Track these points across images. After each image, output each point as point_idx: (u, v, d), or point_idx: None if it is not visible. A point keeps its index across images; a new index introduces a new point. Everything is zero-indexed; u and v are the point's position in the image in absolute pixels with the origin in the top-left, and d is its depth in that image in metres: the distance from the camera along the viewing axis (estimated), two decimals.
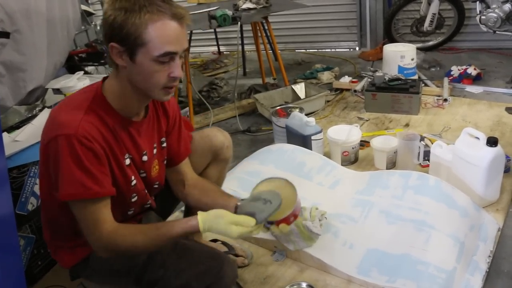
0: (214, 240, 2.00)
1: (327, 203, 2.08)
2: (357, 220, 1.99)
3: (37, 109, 2.41)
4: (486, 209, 2.04)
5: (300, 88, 3.41)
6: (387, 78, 3.12)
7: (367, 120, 3.06)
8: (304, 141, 2.49)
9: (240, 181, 2.27)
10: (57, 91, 2.51)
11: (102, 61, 3.38)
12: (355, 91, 3.42)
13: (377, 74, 3.16)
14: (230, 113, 3.38)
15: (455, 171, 2.12)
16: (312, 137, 2.48)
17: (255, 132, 3.12)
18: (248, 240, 2.04)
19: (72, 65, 3.15)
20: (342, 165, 2.49)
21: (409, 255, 1.76)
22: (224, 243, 2.00)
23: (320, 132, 2.50)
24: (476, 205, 1.99)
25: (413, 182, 2.06)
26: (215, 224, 1.35)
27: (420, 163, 2.41)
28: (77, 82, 2.47)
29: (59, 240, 1.52)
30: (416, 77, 3.51)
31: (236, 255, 1.96)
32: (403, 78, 3.15)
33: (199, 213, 1.37)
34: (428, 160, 2.38)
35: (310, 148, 2.48)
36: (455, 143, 2.13)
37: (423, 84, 3.33)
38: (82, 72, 2.71)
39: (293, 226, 1.82)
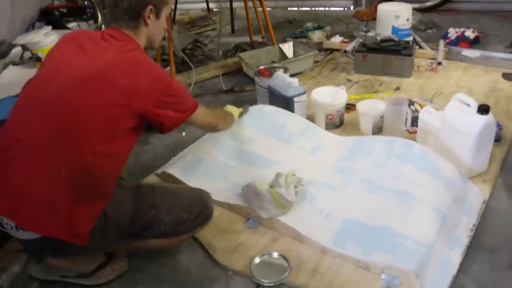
0: None
1: (306, 169, 1.97)
2: (336, 187, 1.88)
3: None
4: (473, 180, 1.93)
5: (288, 47, 3.25)
6: (379, 39, 2.95)
7: (356, 83, 2.91)
8: (286, 102, 2.35)
9: (219, 144, 2.14)
10: (23, 47, 2.37)
11: (85, 17, 3.20)
12: (345, 51, 3.25)
13: (369, 34, 3.00)
14: (214, 72, 3.22)
15: (443, 139, 1.99)
16: (295, 99, 2.35)
17: (238, 92, 2.97)
18: (221, 206, 1.94)
19: (52, 20, 2.98)
20: (326, 129, 2.37)
21: (388, 227, 1.65)
22: None
23: (303, 93, 2.37)
24: (462, 176, 1.88)
25: (398, 150, 1.93)
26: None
27: (408, 129, 2.29)
28: (44, 38, 2.33)
29: (82, 203, 1.45)
30: (410, 38, 3.35)
31: None
32: (396, 39, 2.99)
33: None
34: (416, 126, 2.25)
35: (293, 111, 2.35)
36: (444, 109, 2.00)
37: (417, 46, 3.18)
38: (50, 27, 2.54)
39: (266, 192, 1.72)
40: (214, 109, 2.10)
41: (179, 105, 1.58)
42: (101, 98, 1.42)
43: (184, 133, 2.51)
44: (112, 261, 1.69)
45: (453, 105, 1.95)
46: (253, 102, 2.72)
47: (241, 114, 2.19)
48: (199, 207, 1.66)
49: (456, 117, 1.91)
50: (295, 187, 1.80)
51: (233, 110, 2.15)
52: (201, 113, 1.70)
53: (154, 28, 1.62)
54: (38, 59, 2.39)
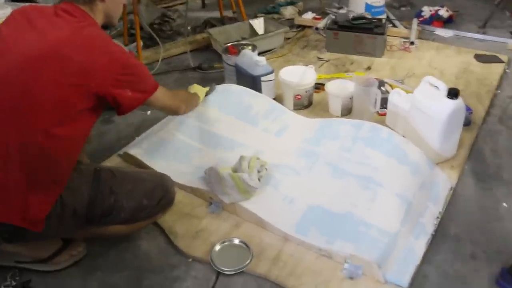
0: None
1: (271, 152, 1.92)
2: (300, 172, 1.83)
3: None
4: (440, 166, 1.89)
5: (258, 24, 3.15)
6: (351, 16, 2.88)
7: (327, 61, 2.85)
8: (253, 81, 2.28)
9: (183, 124, 2.07)
10: None
11: None
12: (317, 28, 3.17)
13: (341, 11, 2.93)
14: (182, 48, 3.11)
15: (412, 122, 1.95)
16: (262, 78, 2.27)
17: (206, 69, 2.88)
18: (184, 189, 1.87)
19: None
20: (294, 109, 2.31)
21: (352, 215, 1.61)
22: None
23: (271, 72, 2.29)
24: (430, 162, 1.84)
25: (365, 134, 1.89)
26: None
27: (378, 111, 2.24)
28: None
29: (37, 188, 1.37)
30: (384, 16, 3.28)
31: None
32: (368, 17, 2.92)
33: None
34: (386, 108, 2.21)
35: (260, 90, 2.28)
36: (413, 91, 1.95)
37: (390, 25, 3.12)
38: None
39: (228, 177, 1.66)
40: (178, 91, 2.01)
41: (137, 84, 1.48)
42: (53, 77, 1.33)
43: (149, 112, 2.42)
44: (69, 247, 1.63)
45: (423, 88, 1.90)
46: (221, 80, 2.65)
47: (207, 94, 2.12)
48: (160, 193, 1.61)
49: (425, 101, 1.86)
50: (258, 171, 1.74)
51: (199, 90, 2.08)
52: (162, 95, 1.61)
53: (111, 3, 1.53)
54: None
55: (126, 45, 3.22)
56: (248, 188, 1.68)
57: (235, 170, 1.75)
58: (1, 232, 1.40)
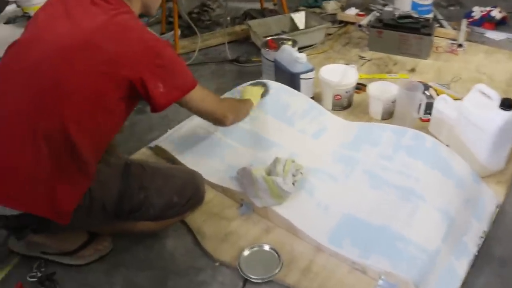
0: None
1: (307, 155, 1.84)
2: (337, 178, 1.74)
3: None
4: (486, 180, 1.78)
5: (299, 17, 3.06)
6: (396, 14, 2.76)
7: (368, 60, 2.74)
8: (292, 79, 2.20)
9: None
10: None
11: None
12: (360, 25, 3.05)
13: (386, 8, 2.81)
14: (220, 39, 3.04)
15: (458, 132, 1.84)
16: (301, 76, 2.19)
17: (244, 62, 2.81)
18: (215, 188, 1.81)
19: None
20: (333, 110, 2.22)
21: (389, 228, 1.52)
22: None
23: (311, 70, 2.20)
24: (475, 176, 1.73)
25: (407, 142, 1.78)
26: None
27: (421, 117, 2.13)
28: None
29: (65, 179, 1.32)
30: (431, 15, 3.14)
31: None
32: (415, 16, 2.79)
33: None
34: (430, 114, 2.10)
35: (298, 88, 2.19)
36: (463, 99, 1.84)
37: (437, 25, 2.97)
38: None
39: (261, 179, 1.60)
40: (226, 98, 1.88)
41: (171, 78, 1.37)
42: (84, 67, 1.27)
43: None
44: (95, 241, 1.60)
45: (473, 96, 1.79)
46: (258, 74, 2.58)
47: (262, 95, 2.02)
48: (190, 191, 1.57)
49: (475, 110, 1.75)
50: (293, 175, 1.67)
51: (253, 93, 1.97)
52: (201, 96, 1.48)
53: None
54: (30, 18, 2.23)
55: (163, 33, 3.18)
56: (282, 192, 1.60)
57: (269, 172, 1.68)
58: (29, 223, 1.36)
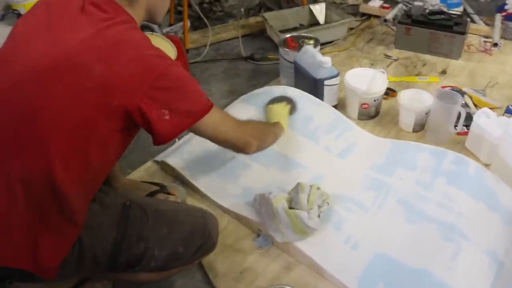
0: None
1: (333, 178, 1.64)
2: (368, 209, 1.54)
3: None
4: None
5: (319, 10, 2.82)
6: (428, 10, 2.52)
7: (395, 60, 2.51)
8: (315, 85, 1.98)
9: None
10: None
11: None
12: (385, 20, 2.80)
13: (416, 3, 2.56)
14: (233, 33, 2.82)
15: (503, 153, 1.64)
16: (325, 82, 1.97)
17: (259, 60, 2.59)
18: (228, 213, 1.63)
19: None
20: (358, 119, 2.02)
21: (428, 273, 1.32)
22: (154, 183, 1.68)
23: (336, 76, 1.99)
24: None
25: (447, 167, 1.58)
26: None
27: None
28: None
29: (48, 229, 1.10)
30: (461, 9, 2.90)
31: (168, 194, 1.64)
32: (446, 11, 2.55)
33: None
34: (466, 127, 1.89)
35: (322, 95, 1.99)
36: (509, 116, 1.63)
37: (467, 19, 2.73)
38: None
39: (283, 213, 1.40)
40: (248, 122, 1.51)
41: (179, 102, 1.11)
42: (67, 93, 1.03)
43: None
44: (91, 280, 1.41)
45: None
46: (276, 74, 2.37)
47: (290, 113, 1.81)
48: (200, 239, 1.32)
49: None
50: (319, 206, 1.47)
51: (280, 113, 1.72)
52: (216, 121, 1.23)
53: None
54: (20, 16, 2.02)
55: (171, 24, 2.96)
56: (307, 229, 1.41)
57: (290, 200, 1.48)
58: (11, 274, 1.16)
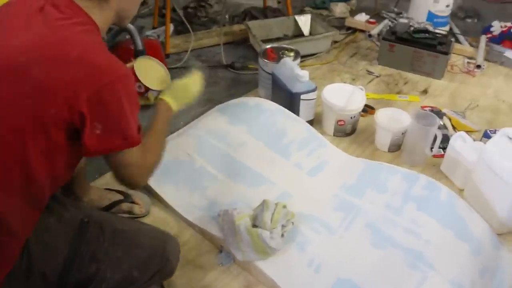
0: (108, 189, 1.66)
1: (301, 197, 1.60)
2: (335, 231, 1.49)
3: None
4: (503, 238, 1.54)
5: (304, 21, 2.79)
6: (412, 28, 2.49)
7: (377, 76, 2.48)
8: (291, 98, 1.94)
9: (200, 142, 1.76)
10: None
11: None
12: (370, 35, 2.78)
13: (401, 20, 2.54)
14: (216, 40, 2.77)
15: (477, 179, 1.60)
16: (302, 96, 1.93)
17: (239, 69, 2.54)
18: (192, 227, 1.57)
19: None
20: (334, 135, 1.98)
21: None
22: (119, 191, 1.61)
23: (313, 90, 1.94)
24: (495, 238, 1.49)
25: (418, 192, 1.54)
26: (181, 97, 1.38)
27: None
28: None
29: None
30: (447, 28, 2.88)
31: (133, 203, 1.60)
32: (431, 30, 2.53)
33: (164, 97, 1.34)
34: (443, 149, 1.85)
35: (298, 109, 1.94)
36: (485, 141, 1.60)
37: (452, 39, 2.70)
38: None
39: (244, 231, 1.35)
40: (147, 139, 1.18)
41: (114, 122, 1.03)
42: (7, 94, 0.97)
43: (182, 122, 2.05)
44: None
45: (499, 141, 1.54)
46: (255, 84, 2.33)
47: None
48: (157, 265, 1.23)
49: (499, 159, 1.51)
50: (283, 226, 1.42)
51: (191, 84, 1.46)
52: (135, 156, 1.09)
53: (125, 1, 1.15)
54: None
55: (155, 27, 2.91)
56: (268, 249, 1.36)
57: (255, 217, 1.43)
58: None
